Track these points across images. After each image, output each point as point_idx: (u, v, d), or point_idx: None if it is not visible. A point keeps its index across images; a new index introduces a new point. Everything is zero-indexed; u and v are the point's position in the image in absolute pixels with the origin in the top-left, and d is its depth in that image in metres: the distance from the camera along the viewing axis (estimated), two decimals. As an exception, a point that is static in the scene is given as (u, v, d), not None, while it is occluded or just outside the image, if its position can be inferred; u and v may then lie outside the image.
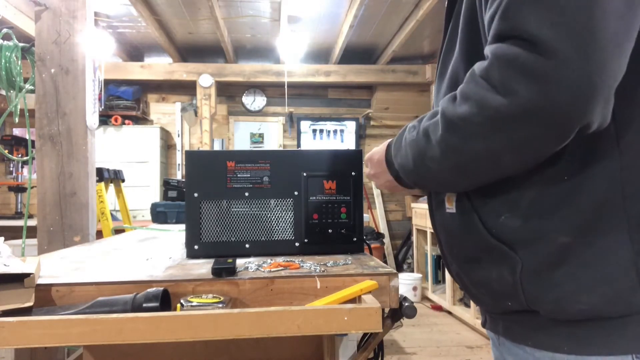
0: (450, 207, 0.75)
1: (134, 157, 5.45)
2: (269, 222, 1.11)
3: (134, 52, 5.52)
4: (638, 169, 0.61)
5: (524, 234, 0.65)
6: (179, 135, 5.93)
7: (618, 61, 0.55)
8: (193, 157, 1.11)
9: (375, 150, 0.86)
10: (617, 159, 0.61)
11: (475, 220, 0.70)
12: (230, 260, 0.93)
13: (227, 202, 1.10)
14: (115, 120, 5.44)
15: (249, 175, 1.10)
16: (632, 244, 0.60)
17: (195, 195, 1.09)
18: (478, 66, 0.62)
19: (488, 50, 0.60)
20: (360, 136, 6.02)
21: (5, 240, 0.93)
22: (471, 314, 3.70)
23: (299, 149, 5.36)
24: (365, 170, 0.93)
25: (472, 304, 3.68)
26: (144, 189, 5.37)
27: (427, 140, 0.68)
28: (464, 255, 0.75)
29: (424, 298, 4.73)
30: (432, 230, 4.48)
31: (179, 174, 5.83)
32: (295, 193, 1.11)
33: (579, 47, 0.53)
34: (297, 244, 1.11)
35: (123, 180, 3.04)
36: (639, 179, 0.60)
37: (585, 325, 0.63)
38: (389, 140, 0.82)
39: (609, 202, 0.61)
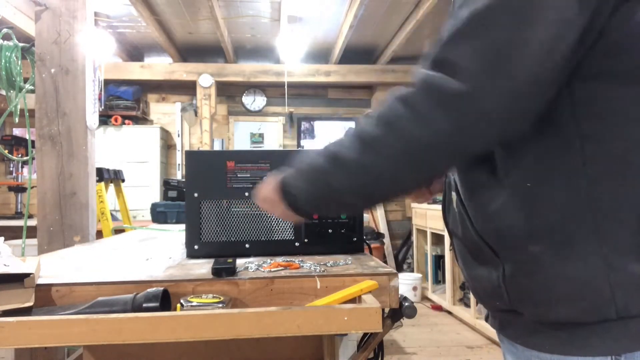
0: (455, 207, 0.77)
1: (134, 157, 5.45)
2: (269, 222, 1.11)
3: (134, 52, 5.52)
4: (609, 185, 0.61)
5: (500, 239, 0.67)
6: (179, 135, 5.92)
7: (532, 97, 0.59)
8: (193, 157, 1.11)
9: (262, 186, 0.83)
10: (582, 174, 0.61)
11: (468, 222, 0.72)
12: (230, 260, 0.93)
13: (227, 202, 1.10)
14: (115, 120, 5.44)
15: (249, 175, 1.10)
16: (603, 259, 0.60)
17: (195, 195, 1.09)
18: (404, 89, 0.65)
19: (417, 73, 0.64)
20: (360, 136, 6.02)
21: (5, 240, 0.93)
22: (471, 314, 3.70)
23: (299, 149, 5.35)
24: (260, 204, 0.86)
25: (472, 304, 3.68)
26: (144, 189, 5.37)
27: (334, 162, 0.70)
28: (466, 251, 0.77)
29: (424, 298, 4.73)
30: (432, 230, 4.49)
31: (179, 174, 5.83)
32: (295, 193, 1.10)
33: (493, 78, 0.58)
34: (297, 244, 1.11)
35: (123, 180, 3.04)
36: (611, 195, 0.61)
37: (565, 327, 0.64)
38: (279, 177, 0.79)
39: (577, 216, 0.61)
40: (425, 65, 0.64)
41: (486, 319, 0.85)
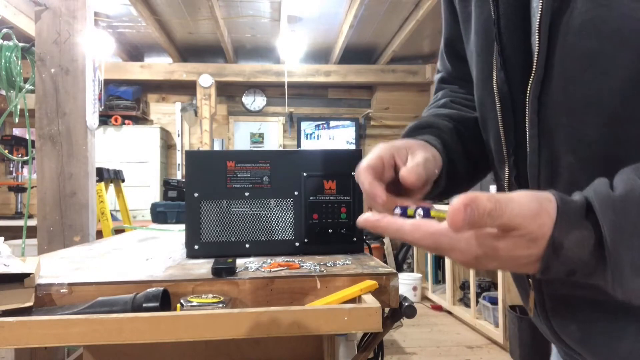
0: None
1: (134, 157, 5.45)
2: (269, 222, 1.11)
3: (134, 52, 5.52)
4: None
5: None
6: (179, 135, 5.92)
7: None
8: (193, 157, 1.11)
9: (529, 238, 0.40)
10: None
11: None
12: (230, 260, 0.93)
13: (227, 202, 1.10)
14: (115, 120, 5.44)
15: (249, 175, 1.10)
16: None
17: (195, 195, 1.09)
18: None
19: None
20: (360, 136, 6.02)
21: (5, 240, 0.93)
22: (471, 314, 3.70)
23: (299, 149, 5.36)
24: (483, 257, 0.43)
25: (472, 304, 3.68)
26: (144, 189, 5.37)
27: None
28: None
29: (424, 298, 4.73)
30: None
31: (179, 174, 5.83)
32: (295, 193, 1.11)
33: None
34: (297, 244, 1.11)
35: (123, 180, 3.04)
36: None
37: None
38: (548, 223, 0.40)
39: None
40: None
41: None
